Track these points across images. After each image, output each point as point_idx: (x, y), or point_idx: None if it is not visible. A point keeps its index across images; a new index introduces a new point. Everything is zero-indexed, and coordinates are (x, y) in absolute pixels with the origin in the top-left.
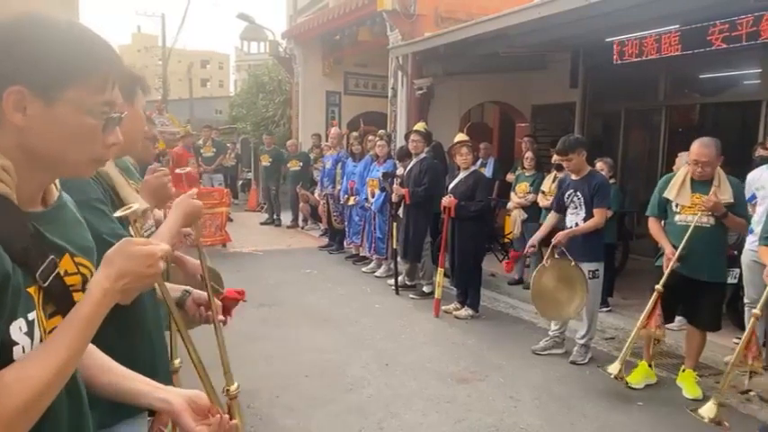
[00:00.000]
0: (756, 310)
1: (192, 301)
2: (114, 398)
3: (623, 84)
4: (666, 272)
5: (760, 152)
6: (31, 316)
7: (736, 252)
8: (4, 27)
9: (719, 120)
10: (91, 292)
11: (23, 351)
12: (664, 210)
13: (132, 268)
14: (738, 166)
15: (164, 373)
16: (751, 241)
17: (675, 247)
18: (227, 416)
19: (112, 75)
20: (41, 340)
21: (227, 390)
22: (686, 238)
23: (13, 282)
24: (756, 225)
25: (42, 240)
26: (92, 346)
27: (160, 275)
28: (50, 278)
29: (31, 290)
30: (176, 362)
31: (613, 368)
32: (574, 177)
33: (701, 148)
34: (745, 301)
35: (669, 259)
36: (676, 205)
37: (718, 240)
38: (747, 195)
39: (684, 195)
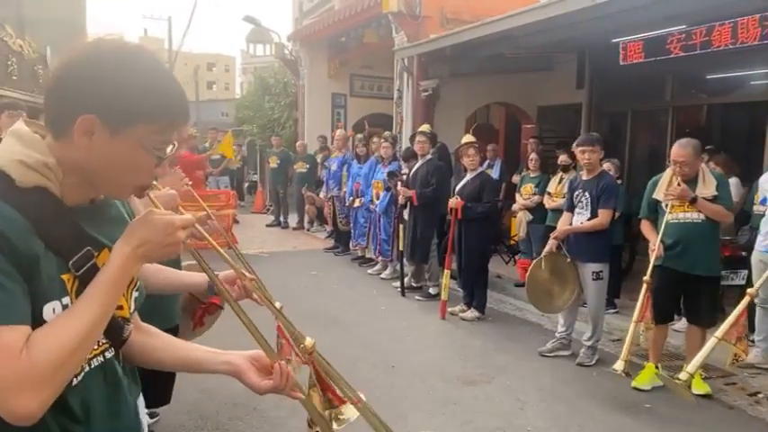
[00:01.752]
0: (752, 290)
1: (222, 279)
2: (181, 370)
3: (629, 84)
4: (652, 262)
5: None
6: (66, 300)
7: (744, 253)
8: (95, 59)
9: (727, 120)
10: (112, 258)
11: None
12: (654, 211)
13: (151, 236)
14: (746, 166)
15: None
16: (760, 242)
17: (666, 245)
18: (283, 362)
19: (178, 120)
20: None
21: (303, 346)
22: (661, 230)
23: (43, 265)
24: (763, 225)
25: (80, 233)
26: (156, 330)
27: (180, 245)
28: (85, 268)
29: (65, 277)
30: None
31: (618, 365)
32: (584, 177)
33: (678, 148)
34: (756, 301)
35: (653, 251)
36: (666, 205)
37: (711, 235)
38: (760, 198)
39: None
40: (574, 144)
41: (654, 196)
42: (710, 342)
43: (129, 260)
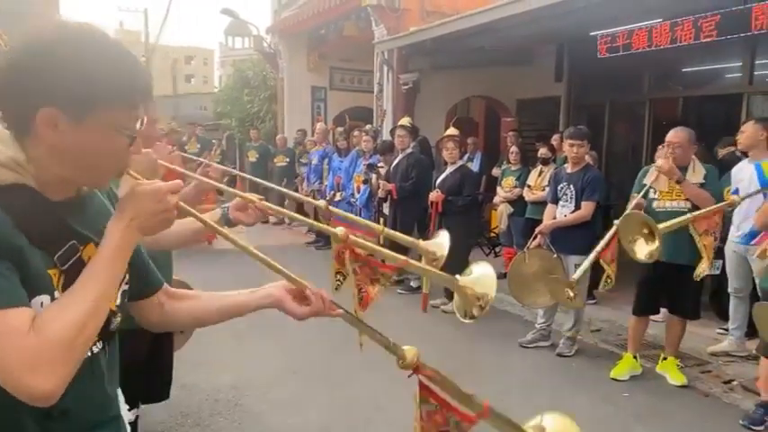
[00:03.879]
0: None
1: (233, 209)
2: (227, 318)
3: (608, 77)
4: (633, 203)
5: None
6: (56, 294)
7: (720, 244)
8: (42, 45)
9: (702, 112)
10: (107, 236)
11: None
12: (644, 195)
13: (142, 206)
14: (718, 159)
15: None
16: (733, 233)
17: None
18: (322, 290)
19: (140, 95)
20: None
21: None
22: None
23: (29, 259)
24: (736, 216)
25: (64, 227)
26: (195, 292)
27: (173, 210)
28: (70, 262)
29: (52, 272)
30: None
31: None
32: (569, 170)
33: (674, 132)
34: (729, 290)
35: (634, 198)
36: (654, 192)
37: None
38: (732, 189)
39: (661, 181)
40: (564, 136)
41: (645, 181)
42: (586, 264)
43: (126, 234)
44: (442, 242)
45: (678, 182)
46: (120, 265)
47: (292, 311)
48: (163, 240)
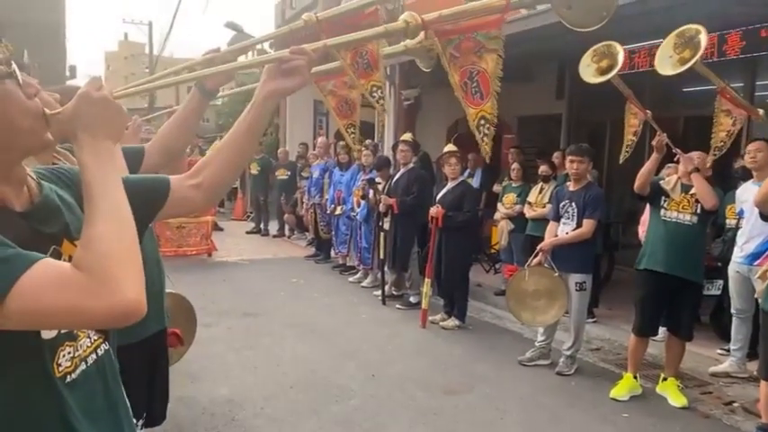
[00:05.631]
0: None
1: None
2: (255, 138)
3: (609, 95)
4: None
5: (740, 163)
6: None
7: (719, 264)
8: None
9: (703, 132)
10: (82, 168)
11: None
12: (655, 190)
13: (85, 117)
14: (721, 178)
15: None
16: (737, 254)
17: (651, 244)
18: (298, 48)
19: None
20: None
21: None
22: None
23: None
24: (739, 237)
25: (41, 236)
26: (203, 161)
27: (112, 102)
28: None
29: None
30: None
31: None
32: (571, 188)
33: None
34: (732, 311)
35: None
36: (664, 200)
37: (698, 240)
38: (736, 209)
39: (676, 191)
40: (566, 152)
41: (662, 184)
42: None
43: (98, 150)
44: None
45: (693, 171)
46: (113, 177)
47: (292, 86)
48: (167, 141)
